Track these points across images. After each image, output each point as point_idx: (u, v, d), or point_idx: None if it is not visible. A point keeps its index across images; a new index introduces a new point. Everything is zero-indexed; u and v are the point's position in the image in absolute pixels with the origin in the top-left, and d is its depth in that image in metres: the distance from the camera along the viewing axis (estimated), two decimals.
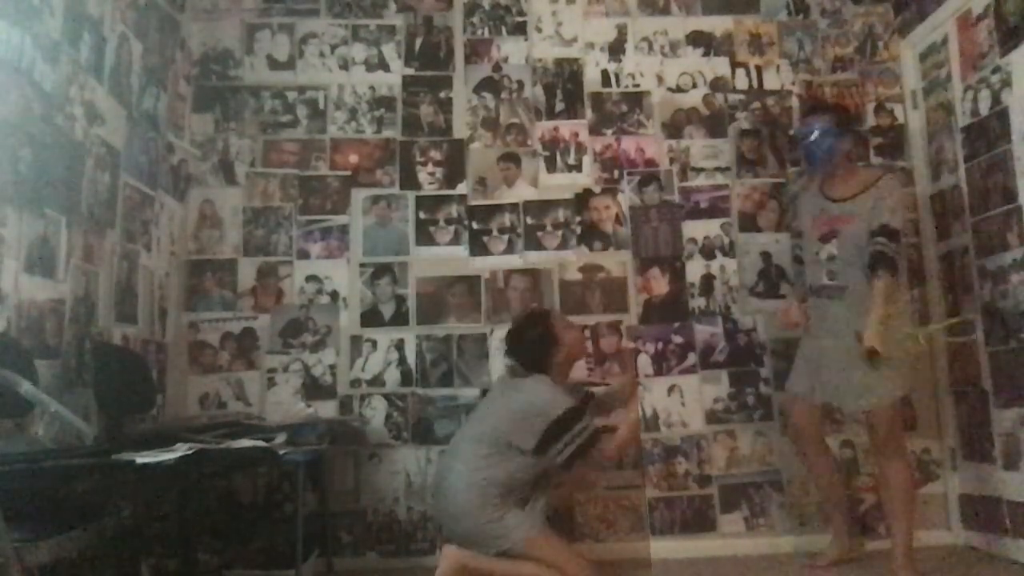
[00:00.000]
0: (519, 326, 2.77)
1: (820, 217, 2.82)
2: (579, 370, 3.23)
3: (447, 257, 3.34)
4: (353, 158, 3.41)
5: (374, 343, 3.26)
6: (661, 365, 3.29)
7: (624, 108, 3.50)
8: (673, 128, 3.49)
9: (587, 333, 3.27)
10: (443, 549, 2.58)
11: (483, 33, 3.55)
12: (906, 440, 2.83)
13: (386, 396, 3.22)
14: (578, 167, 3.45)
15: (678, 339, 3.31)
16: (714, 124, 3.50)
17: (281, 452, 2.36)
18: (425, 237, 3.36)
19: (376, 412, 3.20)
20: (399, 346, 3.26)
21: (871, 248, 2.60)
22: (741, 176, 3.45)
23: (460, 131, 3.46)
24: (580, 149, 3.46)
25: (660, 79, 3.53)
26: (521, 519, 2.48)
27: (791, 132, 3.07)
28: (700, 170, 3.45)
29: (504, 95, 3.50)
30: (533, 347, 2.66)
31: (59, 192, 2.31)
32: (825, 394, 2.78)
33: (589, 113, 3.49)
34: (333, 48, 3.50)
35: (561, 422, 2.48)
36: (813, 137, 2.80)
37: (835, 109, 2.99)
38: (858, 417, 2.95)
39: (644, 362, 3.29)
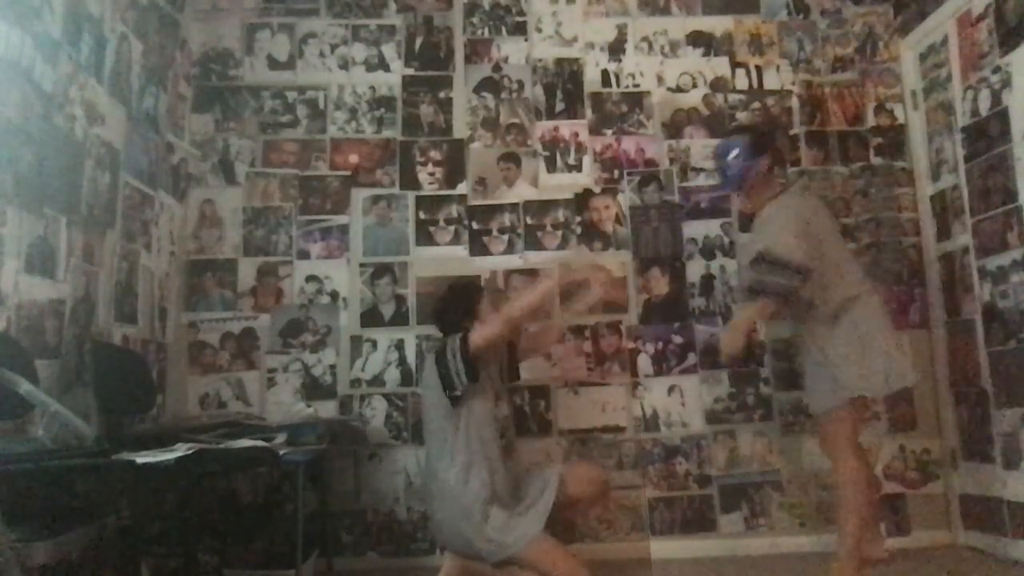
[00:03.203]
0: (446, 289, 2.76)
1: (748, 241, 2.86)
2: (579, 370, 3.25)
3: (447, 257, 3.34)
4: (353, 158, 3.41)
5: (374, 343, 3.26)
6: (661, 365, 3.29)
7: (624, 108, 3.50)
8: (673, 128, 3.49)
9: (587, 333, 3.27)
10: (447, 555, 2.58)
11: (483, 33, 3.55)
12: (855, 445, 2.59)
13: (386, 396, 3.22)
14: (578, 167, 3.45)
15: (678, 339, 3.31)
16: (714, 124, 3.49)
17: (281, 452, 2.36)
18: (425, 237, 3.36)
19: (376, 412, 3.20)
20: (399, 346, 3.26)
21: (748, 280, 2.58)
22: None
23: (460, 131, 3.46)
24: (580, 149, 3.46)
25: (660, 79, 3.53)
26: (515, 524, 2.39)
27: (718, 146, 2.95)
28: (700, 170, 3.45)
29: (504, 95, 3.50)
30: (450, 310, 2.61)
31: (59, 192, 2.31)
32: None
33: (589, 113, 3.49)
34: (333, 48, 3.50)
35: (439, 352, 2.42)
36: (726, 159, 2.75)
37: (753, 131, 2.87)
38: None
39: (644, 362, 3.29)
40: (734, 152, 2.72)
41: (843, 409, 2.55)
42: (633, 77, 3.53)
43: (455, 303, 2.63)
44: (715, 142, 3.42)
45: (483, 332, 2.42)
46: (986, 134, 2.95)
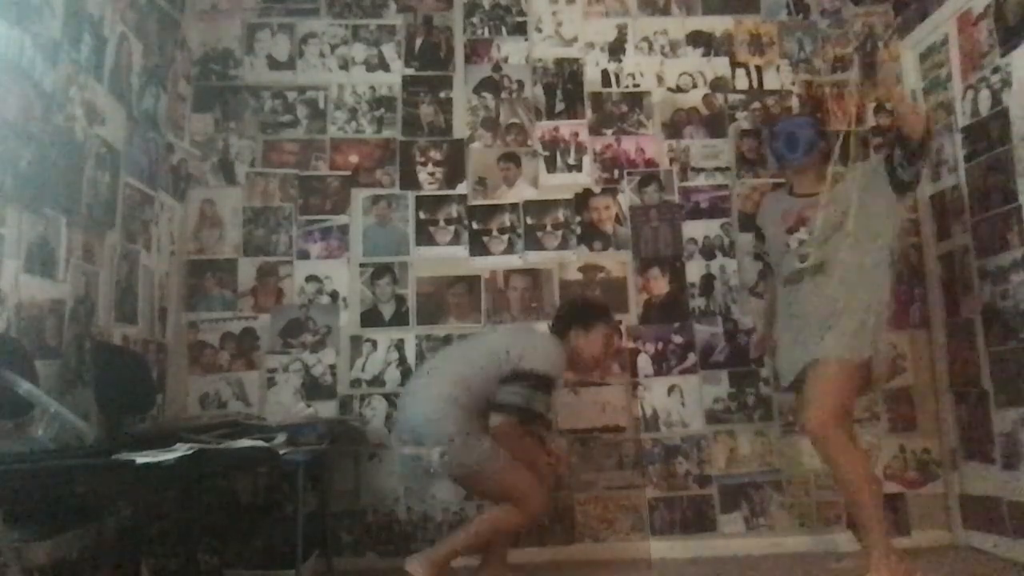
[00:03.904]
0: (583, 297, 3.03)
1: (788, 214, 2.76)
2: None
3: (447, 257, 3.34)
4: (353, 158, 3.41)
5: (374, 343, 3.26)
6: (661, 365, 3.29)
7: (624, 108, 3.50)
8: (673, 128, 3.49)
9: None
10: (407, 566, 2.46)
11: (483, 33, 3.55)
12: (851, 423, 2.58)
13: (386, 396, 3.22)
14: (578, 167, 3.45)
15: (678, 339, 3.31)
16: (714, 124, 3.49)
17: (281, 452, 2.36)
18: (425, 237, 3.36)
19: (376, 412, 3.20)
20: (399, 346, 3.26)
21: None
22: (741, 176, 3.45)
23: (460, 131, 3.46)
24: (580, 149, 3.46)
25: (660, 79, 3.53)
26: (489, 443, 2.44)
27: (774, 127, 2.94)
28: (700, 170, 3.45)
29: (504, 95, 3.50)
30: (572, 314, 2.75)
31: (59, 192, 2.31)
32: (794, 368, 2.67)
33: (589, 113, 3.49)
34: (333, 48, 3.50)
35: (533, 377, 2.49)
36: (799, 130, 2.79)
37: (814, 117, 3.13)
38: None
39: (644, 362, 3.29)
40: (807, 126, 2.82)
41: (861, 360, 2.49)
42: (633, 77, 3.53)
43: (581, 310, 2.78)
44: (715, 142, 3.47)
45: (504, 430, 2.48)
46: (986, 134, 2.95)
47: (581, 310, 2.78)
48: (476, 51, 3.54)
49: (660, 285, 3.35)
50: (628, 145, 3.47)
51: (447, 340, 3.26)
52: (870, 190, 2.60)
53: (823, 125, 3.10)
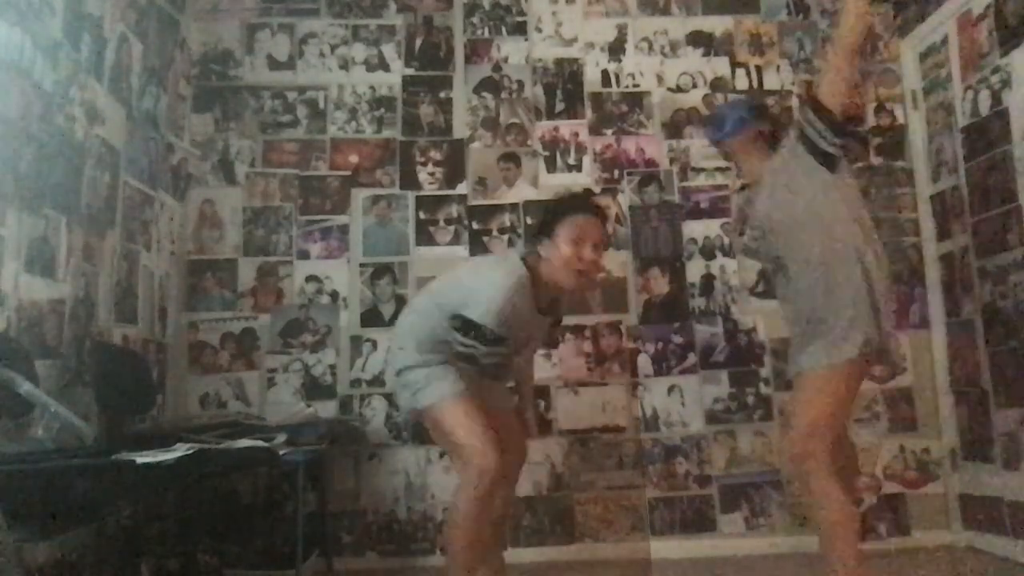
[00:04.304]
0: (570, 192, 2.50)
1: (739, 215, 2.49)
2: (579, 370, 3.25)
3: (447, 257, 3.34)
4: (353, 158, 3.41)
5: (374, 343, 3.26)
6: (661, 365, 3.29)
7: (624, 108, 3.50)
8: (673, 128, 3.49)
9: (587, 333, 3.27)
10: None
11: (483, 33, 3.55)
12: (830, 469, 2.14)
13: (386, 396, 3.22)
14: (578, 167, 3.45)
15: (678, 339, 3.31)
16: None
17: (281, 452, 2.36)
18: (425, 237, 3.36)
19: (376, 412, 3.20)
20: None
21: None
22: (741, 176, 3.44)
23: (460, 131, 3.46)
24: (580, 149, 3.47)
25: (660, 79, 3.53)
26: (440, 379, 2.21)
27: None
28: (700, 170, 3.45)
29: (504, 95, 3.50)
30: (537, 229, 2.31)
31: (59, 192, 2.31)
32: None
33: (589, 113, 3.49)
34: (333, 48, 3.50)
35: (472, 327, 2.18)
36: (727, 109, 2.60)
37: (762, 104, 2.76)
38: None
39: (644, 362, 3.29)
40: (737, 106, 2.60)
41: (850, 359, 2.12)
42: (633, 77, 3.53)
43: (543, 218, 2.31)
44: None
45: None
46: (986, 134, 2.95)
47: (543, 218, 2.32)
48: (476, 51, 3.54)
49: (660, 285, 3.35)
50: (628, 145, 3.47)
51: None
52: (799, 170, 2.26)
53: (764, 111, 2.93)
